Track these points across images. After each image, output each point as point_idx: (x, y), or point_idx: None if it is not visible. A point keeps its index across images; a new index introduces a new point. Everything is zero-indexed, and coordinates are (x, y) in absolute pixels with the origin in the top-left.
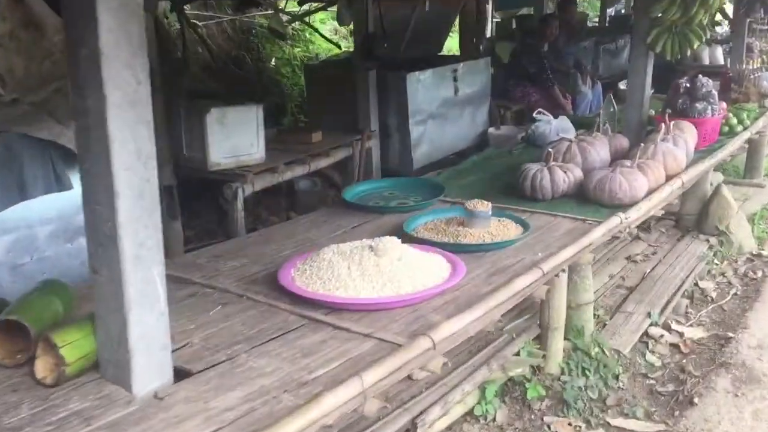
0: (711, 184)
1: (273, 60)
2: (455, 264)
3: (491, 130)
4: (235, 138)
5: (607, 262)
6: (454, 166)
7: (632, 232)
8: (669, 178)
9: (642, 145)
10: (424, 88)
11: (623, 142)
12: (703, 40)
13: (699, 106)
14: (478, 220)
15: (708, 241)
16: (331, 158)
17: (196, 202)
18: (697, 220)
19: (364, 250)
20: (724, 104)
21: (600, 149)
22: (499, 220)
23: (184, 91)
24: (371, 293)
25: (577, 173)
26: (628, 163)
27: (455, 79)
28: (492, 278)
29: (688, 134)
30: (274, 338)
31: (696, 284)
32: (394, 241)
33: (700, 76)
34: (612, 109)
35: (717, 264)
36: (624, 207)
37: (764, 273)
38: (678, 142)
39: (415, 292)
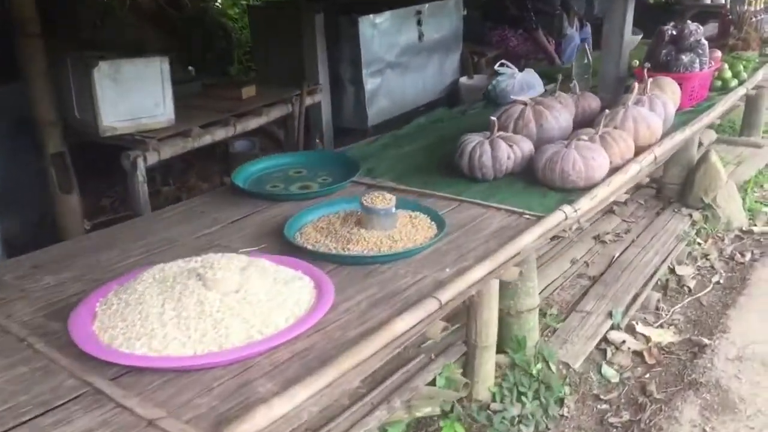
0: (701, 144)
1: None
2: (322, 291)
3: (463, 80)
4: (134, 97)
5: (570, 243)
6: (395, 131)
7: (583, 226)
8: (640, 151)
9: (606, 111)
10: (380, 34)
11: (592, 102)
12: None
13: (685, 58)
14: (377, 220)
15: (691, 216)
16: (264, 117)
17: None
18: (680, 191)
19: (190, 277)
20: (718, 53)
21: (559, 114)
22: (411, 216)
23: (85, 40)
24: (182, 348)
25: (526, 147)
26: (586, 135)
27: (419, 23)
28: (372, 311)
29: (668, 93)
30: (23, 423)
31: (672, 270)
32: (234, 263)
33: (689, 21)
34: (586, 61)
35: (700, 244)
36: (580, 191)
37: (753, 255)
38: (655, 105)
39: (245, 345)
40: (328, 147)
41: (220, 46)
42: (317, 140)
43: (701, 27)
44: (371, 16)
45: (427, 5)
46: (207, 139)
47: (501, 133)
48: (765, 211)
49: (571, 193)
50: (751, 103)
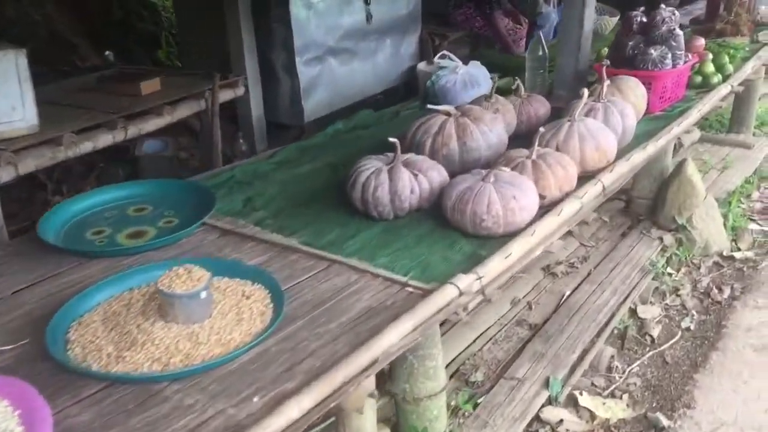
0: (680, 146)
1: None
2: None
3: (421, 66)
4: None
5: (512, 278)
6: (301, 141)
7: (491, 298)
8: (587, 177)
9: (541, 130)
10: (318, 15)
11: (539, 108)
12: None
13: (654, 52)
14: (180, 309)
15: (661, 239)
16: (167, 117)
17: None
18: (652, 206)
19: None
20: (701, 42)
21: (490, 129)
22: (244, 292)
23: None
24: None
25: (436, 178)
26: (513, 161)
27: (367, 2)
28: None
29: (630, 98)
30: None
31: (634, 311)
32: None
33: (663, 6)
34: (541, 53)
35: (670, 275)
36: (499, 239)
37: (732, 291)
38: (610, 116)
39: None
40: (261, 145)
41: (146, 27)
42: (240, 141)
43: (677, 12)
44: None
45: None
46: (86, 146)
47: (409, 156)
48: (751, 228)
49: (487, 242)
50: (741, 95)
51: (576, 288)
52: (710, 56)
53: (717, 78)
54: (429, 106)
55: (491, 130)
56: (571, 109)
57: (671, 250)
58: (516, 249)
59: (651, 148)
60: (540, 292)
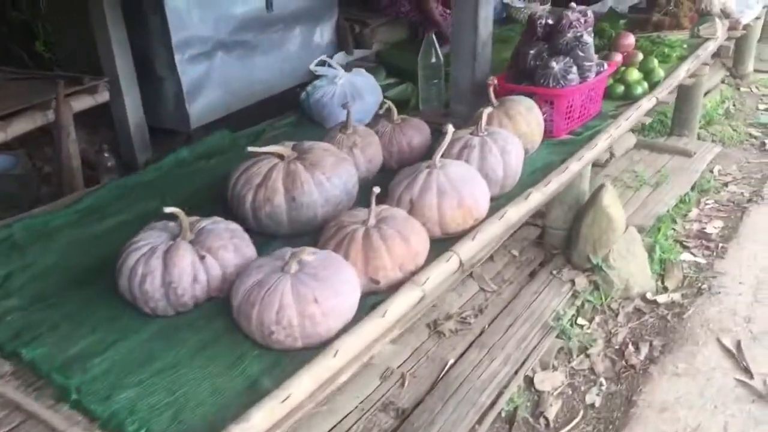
0: (613, 156)
1: None
2: None
3: (339, 57)
4: None
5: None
6: (126, 177)
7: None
8: (454, 238)
9: (374, 189)
10: (201, 4)
11: (413, 137)
12: None
13: (556, 65)
14: None
15: (573, 282)
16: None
17: None
18: (567, 237)
19: None
20: (630, 40)
21: (327, 178)
22: None
23: None
24: None
25: (231, 260)
26: (336, 237)
27: None
28: None
29: (522, 126)
30: None
31: (531, 381)
32: None
33: (573, 3)
34: (434, 60)
35: (582, 326)
36: (302, 351)
37: (651, 350)
38: (487, 155)
39: None
40: (143, 155)
41: (20, 16)
42: (105, 154)
43: (589, 13)
44: None
45: None
46: None
47: (206, 225)
48: (683, 260)
49: (281, 359)
50: (684, 92)
51: (463, 353)
52: (639, 58)
53: (641, 88)
54: (249, 149)
55: (330, 179)
56: (436, 150)
57: (583, 296)
58: (305, 384)
59: (536, 197)
60: (420, 359)
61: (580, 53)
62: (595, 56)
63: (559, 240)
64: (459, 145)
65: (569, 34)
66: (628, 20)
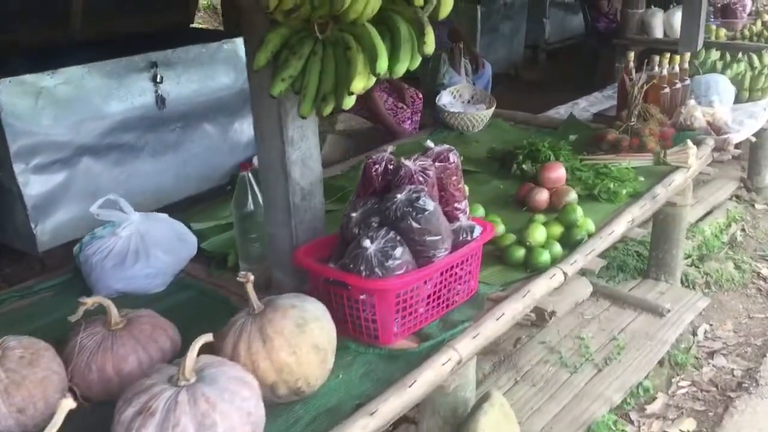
0: (553, 312)
1: None
2: None
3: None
4: None
5: None
6: None
7: None
8: None
9: None
10: (55, 103)
11: (128, 358)
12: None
13: (370, 247)
14: None
15: None
16: None
17: None
18: None
19: None
20: (559, 172)
21: None
22: None
23: None
24: None
25: None
26: None
27: (156, 79)
28: None
29: (279, 358)
30: None
31: None
32: None
33: (429, 142)
34: (251, 206)
35: None
36: None
37: None
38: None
39: None
40: None
41: None
42: None
43: (454, 157)
44: (28, 76)
45: (172, 51)
46: None
47: None
48: None
49: None
50: (660, 225)
51: None
52: (569, 198)
53: (545, 256)
54: None
55: None
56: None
57: None
58: None
59: None
60: None
61: (414, 224)
62: (448, 226)
63: None
64: (139, 403)
65: (400, 196)
66: (579, 136)
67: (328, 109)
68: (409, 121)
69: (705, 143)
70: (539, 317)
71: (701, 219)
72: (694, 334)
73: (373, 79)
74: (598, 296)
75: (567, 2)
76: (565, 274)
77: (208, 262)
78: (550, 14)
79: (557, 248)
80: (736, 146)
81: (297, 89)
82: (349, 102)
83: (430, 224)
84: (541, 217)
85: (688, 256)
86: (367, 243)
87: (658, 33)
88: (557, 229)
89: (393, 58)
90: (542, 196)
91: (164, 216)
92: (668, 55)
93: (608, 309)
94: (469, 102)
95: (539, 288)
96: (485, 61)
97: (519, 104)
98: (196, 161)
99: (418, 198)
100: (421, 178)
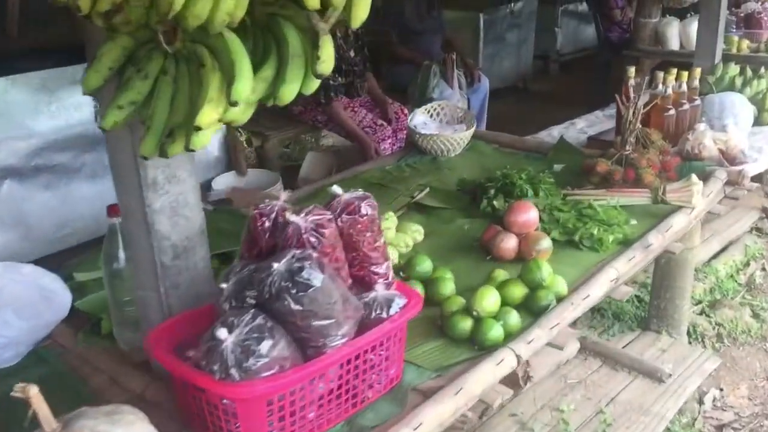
0: (530, 377)
1: None
2: None
3: (227, 179)
4: None
5: None
6: None
7: None
8: None
9: None
10: None
11: None
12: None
13: (226, 340)
14: None
15: None
16: None
17: None
18: None
19: None
20: (530, 214)
21: None
22: None
23: None
24: None
25: None
26: None
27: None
28: None
29: None
30: None
31: None
32: None
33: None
34: (122, 265)
35: None
36: None
37: None
38: None
39: None
40: None
41: None
42: None
43: (368, 205)
44: None
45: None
46: None
47: None
48: None
49: None
50: (663, 269)
51: None
52: (542, 247)
53: (496, 330)
54: None
55: None
56: None
57: None
58: None
59: None
60: None
61: (294, 305)
62: (351, 302)
63: None
64: None
65: (278, 265)
66: (570, 165)
67: (175, 149)
68: (390, 140)
69: (715, 176)
70: (512, 382)
71: (715, 256)
72: (701, 402)
73: (237, 110)
74: (587, 354)
75: (580, 11)
76: (518, 357)
77: (81, 326)
78: (562, 23)
79: (513, 319)
80: (754, 179)
81: (144, 118)
82: (200, 141)
83: (316, 305)
84: (501, 274)
85: (698, 302)
86: (222, 333)
87: (674, 44)
88: (519, 291)
89: (279, 78)
90: (509, 243)
91: (29, 267)
92: (675, 70)
93: (598, 370)
94: (447, 122)
95: (480, 379)
96: (482, 74)
97: (525, 119)
98: None
99: (300, 269)
100: (312, 239)
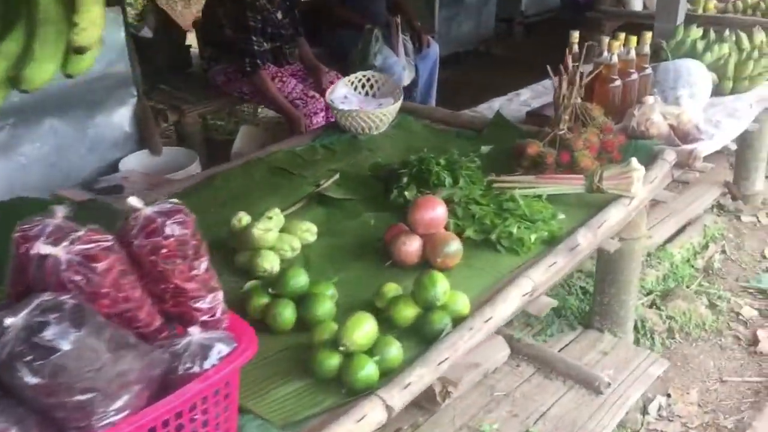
0: (449, 393)
1: None
2: None
3: (139, 158)
4: None
5: None
6: None
7: None
8: None
9: None
10: None
11: None
12: None
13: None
14: None
15: None
16: None
17: None
18: None
19: None
20: (437, 211)
21: None
22: None
23: None
24: None
25: None
26: None
27: None
28: None
29: None
30: None
31: None
32: None
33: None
34: None
35: None
36: None
37: None
38: None
39: None
40: None
41: None
42: None
43: (176, 224)
44: None
45: None
46: None
47: None
48: None
49: None
50: (606, 260)
51: None
52: (451, 250)
53: (368, 369)
54: None
55: None
56: None
57: None
58: None
59: None
60: None
61: (31, 379)
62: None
63: None
64: None
65: (13, 320)
66: (502, 145)
67: None
68: (323, 114)
69: (662, 158)
70: (429, 398)
71: (671, 239)
72: (645, 412)
73: None
74: (520, 359)
75: None
76: (389, 408)
77: None
78: None
79: (393, 352)
80: (708, 158)
81: None
82: None
83: (66, 375)
84: (391, 288)
85: (649, 293)
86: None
87: (637, 5)
88: (409, 311)
89: (26, 54)
90: (411, 246)
91: None
92: (622, 35)
93: (530, 380)
94: (374, 96)
95: None
96: (431, 39)
97: (485, 86)
98: (39, 166)
99: (43, 326)
100: (77, 278)
